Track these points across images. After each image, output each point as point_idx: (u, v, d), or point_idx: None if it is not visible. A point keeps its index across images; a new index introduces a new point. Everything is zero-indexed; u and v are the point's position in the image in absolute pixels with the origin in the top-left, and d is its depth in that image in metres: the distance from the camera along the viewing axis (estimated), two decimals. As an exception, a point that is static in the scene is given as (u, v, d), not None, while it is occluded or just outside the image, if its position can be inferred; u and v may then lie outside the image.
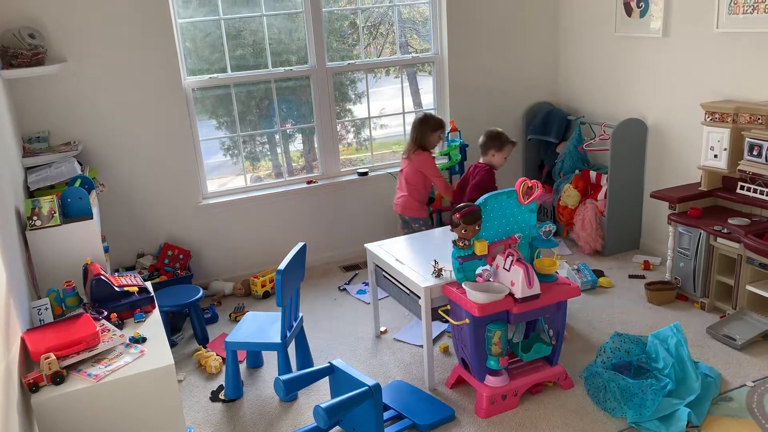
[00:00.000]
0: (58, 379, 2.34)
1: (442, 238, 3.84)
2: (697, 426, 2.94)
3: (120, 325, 2.79)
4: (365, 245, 3.85)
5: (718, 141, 3.94)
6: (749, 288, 3.75)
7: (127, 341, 2.63)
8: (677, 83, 4.45)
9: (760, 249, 3.54)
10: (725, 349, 3.57)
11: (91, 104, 4.22)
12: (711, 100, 4.03)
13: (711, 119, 3.97)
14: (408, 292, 3.41)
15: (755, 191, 3.85)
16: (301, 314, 3.59)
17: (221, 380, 3.56)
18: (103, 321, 2.74)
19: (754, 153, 3.73)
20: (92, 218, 3.30)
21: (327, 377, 3.06)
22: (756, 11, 3.81)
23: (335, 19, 5.11)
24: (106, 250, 3.77)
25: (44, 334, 2.55)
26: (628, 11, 4.72)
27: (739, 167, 3.84)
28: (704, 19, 4.14)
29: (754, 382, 3.25)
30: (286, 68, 4.84)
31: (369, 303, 4.07)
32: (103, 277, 2.93)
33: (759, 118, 3.75)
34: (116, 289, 2.93)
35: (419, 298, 3.25)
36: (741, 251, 3.72)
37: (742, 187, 3.93)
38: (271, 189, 4.94)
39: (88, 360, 2.49)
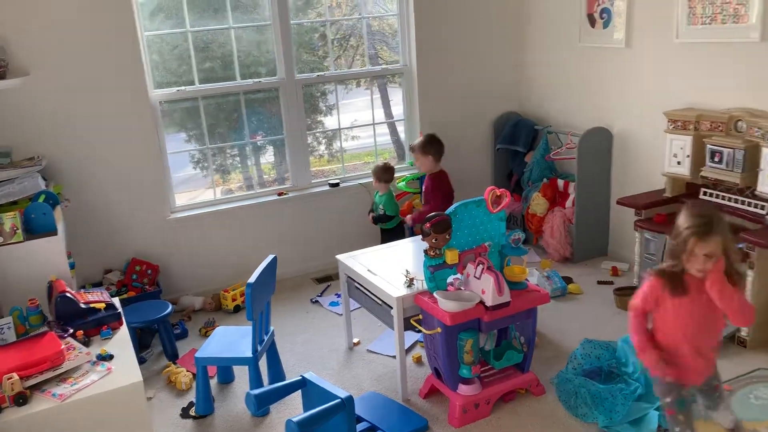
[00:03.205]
0: (21, 400, 2.28)
1: (414, 248, 3.85)
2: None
3: (86, 343, 2.74)
4: (337, 256, 3.84)
5: (681, 148, 4.02)
6: (714, 291, 3.82)
7: (94, 359, 2.59)
8: (641, 92, 4.55)
9: (723, 253, 3.61)
10: (692, 352, 3.63)
11: (55, 118, 4.15)
12: (673, 109, 4.12)
13: (674, 127, 4.05)
14: (380, 302, 3.40)
15: (717, 196, 3.94)
16: (272, 328, 3.56)
17: (192, 396, 3.50)
18: (69, 339, 2.69)
19: (716, 159, 3.82)
20: (57, 234, 3.24)
21: (299, 391, 3.03)
22: (714, 22, 3.92)
23: (305, 31, 5.11)
24: (72, 266, 3.70)
25: (7, 353, 2.49)
26: (592, 22, 4.82)
27: (701, 173, 3.93)
28: (665, 30, 4.24)
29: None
30: (255, 80, 4.82)
31: (341, 315, 4.05)
32: (68, 294, 2.88)
33: (719, 126, 3.84)
34: (82, 305, 2.87)
35: (391, 308, 3.25)
36: (705, 256, 3.79)
37: (705, 193, 4.02)
38: (242, 201, 4.90)
39: (53, 379, 2.44)
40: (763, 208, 3.68)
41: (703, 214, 2.35)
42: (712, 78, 4.02)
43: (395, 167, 4.87)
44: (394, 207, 4.65)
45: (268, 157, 5.28)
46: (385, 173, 4.61)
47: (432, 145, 4.36)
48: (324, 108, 5.44)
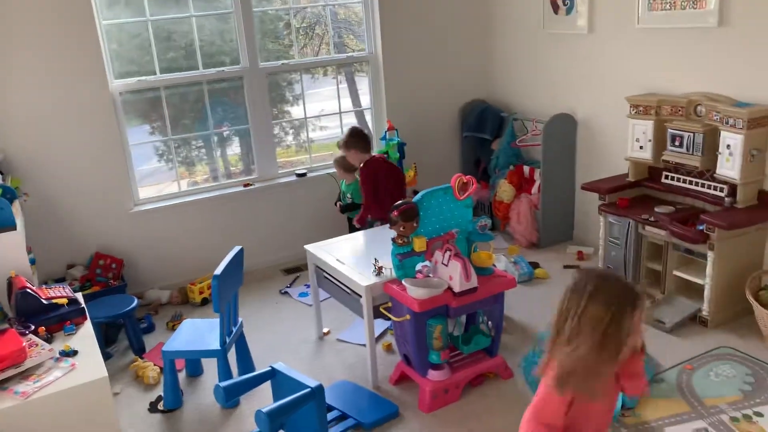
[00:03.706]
0: (-19, 398, 2.23)
1: (382, 236, 3.85)
2: (632, 408, 3.05)
3: (49, 339, 2.69)
4: (305, 246, 3.82)
5: (643, 133, 4.09)
6: (676, 273, 3.92)
7: (57, 355, 2.54)
8: (603, 78, 4.60)
9: (684, 235, 3.69)
10: (656, 332, 3.72)
11: (10, 111, 4.04)
12: (635, 94, 4.19)
13: (636, 112, 4.12)
14: (349, 291, 3.40)
15: (678, 180, 4.03)
16: (240, 319, 3.53)
17: (160, 391, 3.46)
18: (31, 336, 2.64)
19: (676, 143, 3.89)
20: (15, 229, 3.15)
21: (269, 382, 3.02)
22: (673, 7, 3.98)
23: (269, 20, 5.04)
24: (33, 262, 3.61)
25: (-34, 352, 2.42)
26: (555, 8, 4.85)
27: (663, 157, 4.00)
28: (626, 16, 4.29)
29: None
30: (218, 69, 4.75)
31: (311, 305, 4.04)
32: (29, 290, 2.82)
33: (680, 110, 3.92)
34: (44, 301, 2.82)
35: (360, 297, 3.25)
36: (667, 238, 3.88)
37: (666, 176, 4.10)
38: (207, 193, 4.83)
39: (15, 377, 2.40)
40: (722, 190, 3.77)
41: (614, 277, 1.88)
42: (672, 63, 4.09)
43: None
44: (358, 194, 4.64)
45: (234, 148, 5.21)
46: (345, 167, 4.59)
47: (352, 139, 4.25)
48: (290, 98, 5.38)
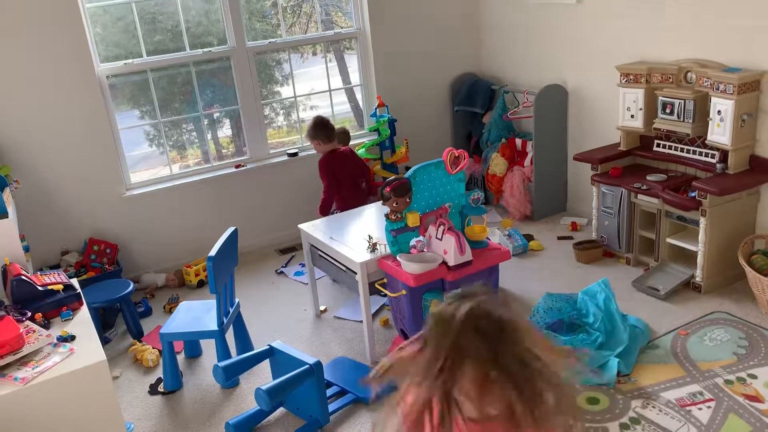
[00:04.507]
0: (-20, 385, 2.24)
1: (376, 213, 3.86)
2: (627, 374, 3.09)
3: (46, 325, 2.69)
4: (299, 226, 3.82)
5: (634, 101, 4.09)
6: (669, 240, 3.94)
7: (55, 341, 2.54)
8: (593, 48, 4.58)
9: (676, 202, 3.71)
10: (650, 300, 3.75)
11: (-2, 98, 4.00)
12: (625, 63, 4.17)
13: (626, 81, 4.11)
14: (344, 269, 3.41)
15: (670, 147, 4.03)
16: (237, 300, 3.54)
17: (159, 373, 3.48)
18: (28, 322, 2.64)
19: (667, 111, 3.89)
20: (7, 217, 3.14)
21: (268, 360, 3.04)
22: (662, -26, 3.95)
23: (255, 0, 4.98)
24: (27, 249, 3.60)
25: (-37, 340, 2.43)
26: (543, -21, 4.81)
27: (654, 125, 4.00)
28: (615, -16, 4.26)
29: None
30: (205, 50, 4.70)
31: (307, 283, 4.06)
32: (24, 277, 2.81)
33: (670, 78, 3.91)
34: (39, 288, 2.81)
35: (356, 273, 3.26)
36: (660, 206, 3.90)
37: (658, 145, 4.10)
38: (199, 175, 4.81)
39: (14, 363, 2.40)
40: (713, 156, 3.78)
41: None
42: (661, 30, 4.07)
43: (354, 134, 4.83)
44: None
45: (225, 130, 5.17)
46: (339, 139, 4.56)
47: (314, 129, 4.25)
48: (280, 78, 5.34)
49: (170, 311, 4.13)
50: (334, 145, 4.29)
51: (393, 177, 3.09)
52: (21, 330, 2.49)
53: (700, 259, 3.72)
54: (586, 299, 3.42)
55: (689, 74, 3.84)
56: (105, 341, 3.81)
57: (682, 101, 3.79)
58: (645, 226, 4.10)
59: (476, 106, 5.39)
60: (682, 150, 3.97)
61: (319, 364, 2.76)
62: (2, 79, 3.99)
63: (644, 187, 3.93)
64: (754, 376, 2.99)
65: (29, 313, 2.69)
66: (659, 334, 3.42)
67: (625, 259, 4.21)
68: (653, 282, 3.85)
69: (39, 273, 3.06)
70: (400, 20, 5.23)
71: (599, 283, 3.47)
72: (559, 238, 4.69)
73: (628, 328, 3.28)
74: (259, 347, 3.62)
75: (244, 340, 3.55)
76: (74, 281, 3.00)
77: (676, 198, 3.71)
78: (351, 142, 4.57)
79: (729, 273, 3.77)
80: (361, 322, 3.59)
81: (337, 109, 5.44)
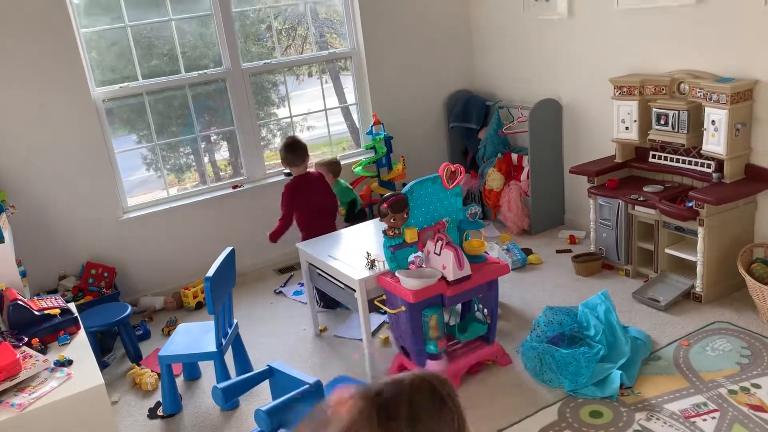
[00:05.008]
0: (-24, 412, 2.21)
1: (374, 229, 3.85)
2: (630, 386, 3.06)
3: (43, 350, 2.67)
4: (297, 244, 3.81)
5: (628, 113, 4.10)
6: (668, 251, 3.94)
7: (52, 365, 2.52)
8: (586, 61, 4.61)
9: (673, 213, 3.71)
10: (651, 311, 3.74)
11: (-6, 124, 4.01)
12: (618, 75, 4.20)
13: (620, 93, 4.13)
14: (343, 286, 3.40)
15: (665, 158, 4.04)
16: (236, 320, 3.52)
17: (158, 397, 3.44)
18: (24, 347, 2.62)
19: (662, 122, 3.90)
20: (3, 242, 3.13)
21: (268, 381, 3.01)
22: (651, -13, 3.99)
23: (251, 23, 5.02)
24: (24, 274, 3.59)
25: (-41, 367, 2.41)
26: (534, -5, 4.86)
27: (649, 137, 4.02)
28: (605, -2, 4.30)
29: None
30: (200, 72, 4.73)
31: (306, 303, 4.03)
32: (20, 302, 2.80)
33: (663, 89, 3.93)
34: (36, 312, 2.79)
35: (355, 291, 3.25)
36: (657, 217, 3.89)
37: (653, 156, 4.11)
38: (196, 197, 4.81)
39: (11, 390, 2.38)
40: (709, 166, 3.78)
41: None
42: (653, 42, 4.10)
43: (351, 153, 4.84)
44: (347, 193, 4.64)
45: (222, 152, 5.18)
46: (330, 168, 4.57)
47: (283, 151, 4.14)
48: (276, 100, 5.36)
49: (168, 334, 4.09)
50: (302, 170, 4.13)
51: (390, 193, 3.08)
52: (18, 355, 2.47)
53: (699, 269, 3.71)
54: (587, 312, 3.40)
55: (682, 85, 3.86)
56: (103, 365, 3.77)
57: (676, 112, 3.81)
58: (643, 237, 4.09)
59: (471, 122, 5.41)
60: (677, 161, 3.98)
61: (319, 383, 2.73)
62: (0, 106, 4.01)
63: (641, 199, 3.93)
64: (758, 386, 2.97)
65: (26, 339, 2.67)
66: (661, 345, 3.40)
67: (625, 271, 4.20)
68: (653, 293, 3.84)
69: (36, 298, 3.04)
70: (394, 39, 5.27)
71: (599, 295, 3.46)
72: (558, 251, 4.68)
73: (629, 339, 3.26)
74: (258, 368, 3.59)
75: (243, 361, 3.53)
76: (72, 305, 2.99)
77: (673, 208, 3.71)
78: (348, 161, 4.58)
79: (729, 282, 3.76)
80: (361, 340, 3.57)
81: (334, 129, 5.46)
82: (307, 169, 4.21)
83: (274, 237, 4.12)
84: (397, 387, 1.15)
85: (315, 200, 4.12)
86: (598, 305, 3.40)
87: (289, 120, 5.24)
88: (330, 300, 3.99)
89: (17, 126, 4.08)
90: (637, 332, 3.44)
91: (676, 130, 3.84)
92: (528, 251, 4.64)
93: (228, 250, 3.34)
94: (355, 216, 4.64)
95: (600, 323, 3.31)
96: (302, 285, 4.46)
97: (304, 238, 4.03)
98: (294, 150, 4.11)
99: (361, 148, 5.46)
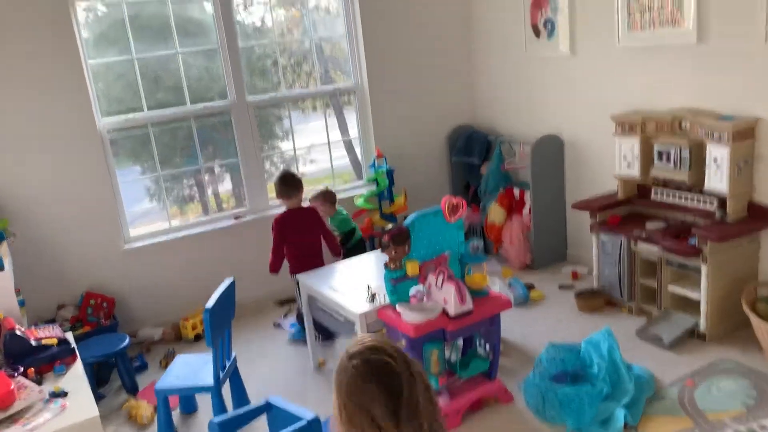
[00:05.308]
0: (-32, 443, 2.17)
1: (375, 262, 3.83)
2: (634, 426, 3.00)
3: (39, 380, 2.64)
4: (297, 276, 3.79)
5: (630, 150, 4.12)
6: (671, 288, 3.91)
7: (47, 396, 2.49)
8: (588, 98, 4.65)
9: (676, 250, 3.69)
10: (654, 349, 3.69)
11: (-1, 152, 4.04)
12: (620, 112, 4.22)
13: (621, 130, 4.15)
14: (343, 319, 3.36)
15: (668, 195, 4.04)
16: (234, 353, 3.48)
17: (154, 430, 3.38)
18: (20, 378, 2.59)
19: (663, 159, 3.91)
20: (3, 269, 3.11)
21: (265, 416, 2.96)
22: (652, 26, 4.04)
23: (257, 58, 5.08)
24: (22, 303, 3.56)
25: (-47, 397, 2.37)
26: (536, 33, 4.92)
27: (651, 174, 4.02)
28: (607, 37, 4.35)
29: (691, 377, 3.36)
30: (205, 104, 4.77)
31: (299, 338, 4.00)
32: (17, 331, 2.77)
33: (664, 126, 3.95)
34: (32, 342, 2.77)
35: (355, 324, 3.21)
36: (660, 254, 3.87)
37: (656, 193, 4.11)
38: (198, 228, 4.80)
39: (4, 421, 2.34)
40: (711, 203, 3.78)
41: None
42: (654, 80, 4.14)
43: (352, 186, 4.83)
44: (346, 223, 4.64)
45: (226, 185, 5.20)
46: (326, 198, 4.57)
47: (277, 184, 4.18)
48: (280, 133, 5.41)
49: (166, 366, 4.05)
50: (293, 204, 4.15)
51: (392, 225, 3.08)
52: (12, 386, 2.44)
53: (703, 307, 3.67)
54: (590, 349, 3.36)
55: (683, 123, 3.88)
56: (99, 397, 3.72)
57: (678, 149, 3.82)
58: (646, 274, 4.07)
59: (473, 157, 5.43)
60: (679, 197, 3.98)
61: (317, 420, 2.68)
62: (4, 132, 4.03)
63: (644, 235, 3.91)
64: (765, 427, 2.91)
65: (22, 369, 2.64)
66: (665, 384, 3.34)
67: (627, 308, 4.16)
68: (657, 331, 3.80)
69: (33, 327, 3.01)
70: (398, 75, 5.33)
71: (602, 332, 3.42)
72: (561, 287, 4.65)
73: (633, 378, 3.21)
74: (255, 402, 3.54)
75: (240, 395, 3.47)
76: (69, 335, 2.96)
77: (676, 245, 3.70)
78: (350, 194, 4.58)
79: (733, 320, 3.72)
80: (361, 374, 3.51)
81: (336, 163, 5.49)
82: (301, 204, 4.21)
83: (271, 269, 4.12)
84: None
85: (303, 235, 4.12)
86: (601, 342, 3.36)
87: (292, 153, 5.26)
88: (328, 330, 3.96)
89: (22, 154, 4.11)
90: (641, 370, 3.39)
91: (677, 167, 3.85)
92: (530, 286, 4.61)
93: (228, 281, 3.32)
94: (354, 247, 4.61)
95: (603, 361, 3.26)
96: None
97: (291, 272, 4.05)
98: (287, 183, 4.14)
99: (362, 181, 5.47)
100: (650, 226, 3.98)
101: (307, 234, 4.12)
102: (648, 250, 3.94)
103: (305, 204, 4.29)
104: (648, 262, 4.03)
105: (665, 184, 4.03)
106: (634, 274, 4.10)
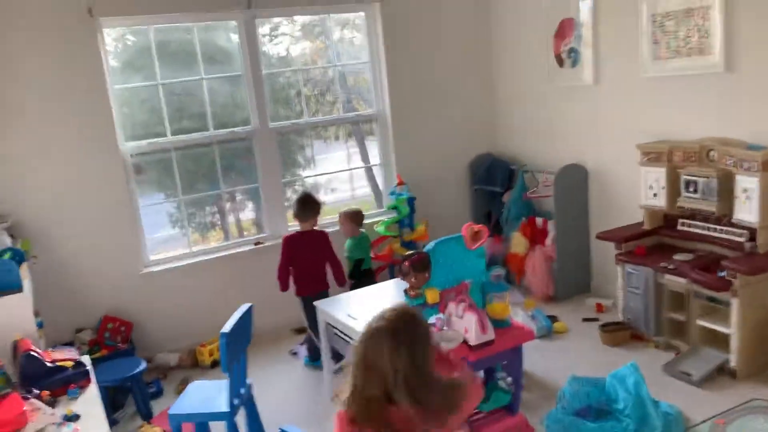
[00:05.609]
0: (-22, 466, 2.13)
1: (395, 289, 3.77)
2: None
3: (52, 403, 2.61)
4: (315, 303, 3.74)
5: (656, 180, 4.04)
6: (700, 322, 3.78)
7: (59, 420, 2.45)
8: (613, 127, 4.59)
9: (705, 282, 3.58)
10: (683, 386, 3.56)
11: (23, 175, 4.09)
12: (646, 141, 4.16)
13: (647, 159, 4.08)
14: (361, 348, 3.29)
15: (696, 226, 3.94)
16: (250, 381, 3.42)
17: (167, 457, 3.33)
18: (33, 400, 2.55)
19: (691, 189, 3.83)
20: (21, 291, 3.11)
21: (279, 445, 2.89)
22: (679, 56, 3.99)
23: (280, 88, 5.12)
24: (40, 325, 3.55)
25: (-35, 417, 2.35)
26: (560, 62, 4.90)
27: (678, 204, 3.93)
28: (632, 66, 4.31)
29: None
30: (228, 130, 4.80)
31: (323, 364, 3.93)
32: (33, 353, 2.75)
33: (692, 156, 3.87)
34: (48, 364, 2.74)
35: (373, 353, 3.14)
36: (688, 286, 3.76)
37: (683, 224, 4.01)
38: (218, 253, 4.80)
39: (15, 443, 2.30)
40: (741, 235, 3.67)
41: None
42: (681, 109, 4.08)
43: (373, 212, 4.80)
44: (358, 250, 4.54)
45: (248, 213, 5.21)
46: (353, 218, 4.53)
47: (294, 204, 4.27)
48: (302, 162, 5.42)
49: (182, 392, 4.00)
50: (306, 226, 4.20)
51: (412, 251, 3.02)
52: (25, 408, 2.41)
53: (734, 343, 3.54)
54: (615, 383, 3.25)
55: (711, 152, 3.80)
56: (113, 422, 3.68)
57: (706, 179, 3.73)
58: (673, 307, 3.95)
59: (495, 185, 5.38)
60: (708, 229, 3.87)
61: (332, 449, 2.61)
62: (27, 155, 4.09)
63: (671, 267, 3.81)
64: (802, 470, 2.77)
65: (36, 391, 2.62)
66: (694, 422, 3.21)
67: (654, 342, 4.04)
68: (685, 367, 3.67)
69: (50, 349, 3.00)
70: (420, 102, 5.34)
71: (628, 366, 3.31)
72: (584, 319, 4.53)
73: (661, 414, 3.09)
74: (270, 431, 3.47)
75: (255, 424, 3.40)
76: (85, 358, 2.93)
77: (705, 278, 3.59)
78: (369, 220, 4.54)
79: (766, 357, 3.58)
80: (378, 405, 3.43)
81: (358, 193, 5.47)
82: (314, 227, 4.26)
83: (281, 286, 4.19)
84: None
85: (309, 258, 4.17)
86: (628, 377, 3.25)
87: (313, 181, 5.26)
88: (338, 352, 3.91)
89: (45, 178, 4.16)
90: (669, 407, 3.26)
91: (705, 197, 3.76)
92: (553, 318, 4.50)
93: (246, 306, 3.28)
94: (362, 277, 4.49)
95: (629, 396, 3.15)
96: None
97: (297, 293, 4.15)
98: (304, 204, 4.21)
99: (383, 208, 5.44)
100: (678, 257, 3.88)
101: (314, 257, 4.18)
102: (675, 282, 3.84)
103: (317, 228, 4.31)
104: (675, 295, 3.92)
105: (693, 214, 3.94)
106: (661, 307, 3.98)
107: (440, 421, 1.77)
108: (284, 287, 4.19)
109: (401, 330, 1.78)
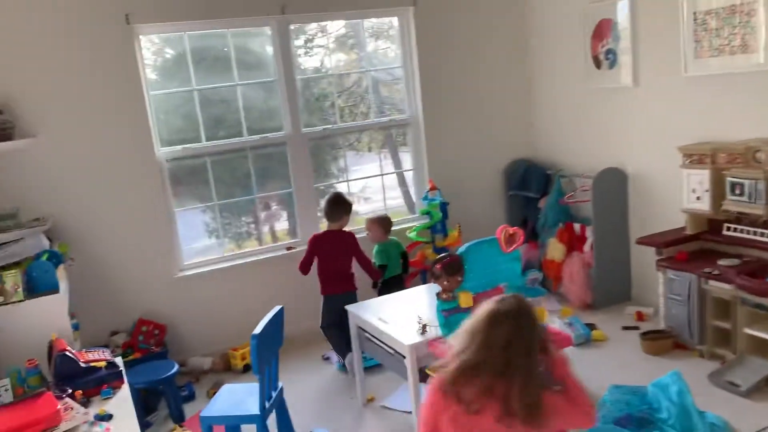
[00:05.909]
0: (12, 462, 2.15)
1: (427, 293, 3.72)
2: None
3: (85, 403, 2.63)
4: (346, 307, 3.70)
5: (699, 183, 3.90)
6: (747, 331, 3.62)
7: (92, 419, 2.47)
8: (653, 129, 4.47)
9: (754, 288, 3.43)
10: (729, 396, 3.41)
11: (62, 179, 4.16)
12: (687, 143, 4.03)
13: (690, 162, 3.95)
14: (392, 352, 3.24)
15: (742, 231, 3.78)
16: (281, 384, 3.39)
17: (199, 460, 3.31)
18: (67, 399, 2.57)
19: (737, 192, 3.68)
20: (58, 291, 3.15)
21: (310, 449, 2.85)
22: (721, 53, 3.87)
23: (315, 98, 5.13)
24: (76, 327, 3.60)
25: (2, 415, 2.38)
26: (597, 64, 4.79)
27: (723, 207, 3.79)
28: (672, 66, 4.19)
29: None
30: (261, 135, 4.82)
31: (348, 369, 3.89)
32: (68, 353, 2.78)
33: (737, 157, 3.73)
34: (82, 364, 2.76)
35: (404, 357, 3.09)
36: (734, 293, 3.61)
37: (728, 228, 3.86)
38: (251, 257, 4.81)
39: (49, 441, 2.31)
40: (790, 239, 3.52)
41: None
42: (724, 109, 3.94)
43: (404, 218, 4.76)
44: (380, 256, 4.53)
45: (282, 223, 5.22)
46: (381, 224, 4.54)
47: (324, 205, 4.35)
48: (335, 171, 5.42)
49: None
50: (334, 227, 4.27)
51: (445, 254, 2.97)
52: (59, 406, 2.43)
53: (784, 352, 3.39)
54: (658, 392, 3.13)
55: (758, 153, 3.65)
56: (146, 425, 3.69)
57: (753, 182, 3.59)
58: (718, 314, 3.79)
59: (531, 191, 5.29)
60: (755, 233, 3.72)
61: (363, 454, 2.56)
62: (67, 160, 4.16)
63: (716, 273, 3.67)
64: None
65: (70, 390, 2.64)
66: (743, 434, 3.07)
67: (698, 351, 3.88)
68: (732, 376, 3.51)
69: (84, 350, 3.02)
70: (453, 107, 5.28)
71: (671, 374, 3.19)
72: (624, 328, 4.39)
73: (707, 425, 2.96)
74: (302, 436, 3.44)
75: (286, 427, 3.37)
76: (118, 360, 2.95)
77: (752, 284, 3.44)
78: (401, 226, 4.50)
79: (818, 368, 3.41)
80: (410, 413, 3.37)
81: (391, 203, 5.43)
82: (343, 228, 4.30)
83: (302, 273, 4.30)
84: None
85: (333, 258, 4.23)
86: (671, 385, 3.13)
87: (345, 188, 5.24)
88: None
89: (84, 183, 4.23)
90: (715, 419, 3.12)
91: (752, 200, 3.61)
92: (592, 326, 4.37)
93: (277, 308, 3.26)
94: (387, 283, 4.46)
95: (673, 405, 3.03)
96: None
97: (321, 292, 4.23)
98: (333, 204, 4.28)
99: (415, 214, 5.39)
100: (723, 262, 3.73)
101: (338, 257, 4.23)
102: (720, 288, 3.69)
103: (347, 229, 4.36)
104: (720, 302, 3.76)
105: (738, 218, 3.79)
106: (705, 314, 3.83)
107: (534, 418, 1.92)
108: (305, 273, 4.28)
109: (524, 314, 2.00)
